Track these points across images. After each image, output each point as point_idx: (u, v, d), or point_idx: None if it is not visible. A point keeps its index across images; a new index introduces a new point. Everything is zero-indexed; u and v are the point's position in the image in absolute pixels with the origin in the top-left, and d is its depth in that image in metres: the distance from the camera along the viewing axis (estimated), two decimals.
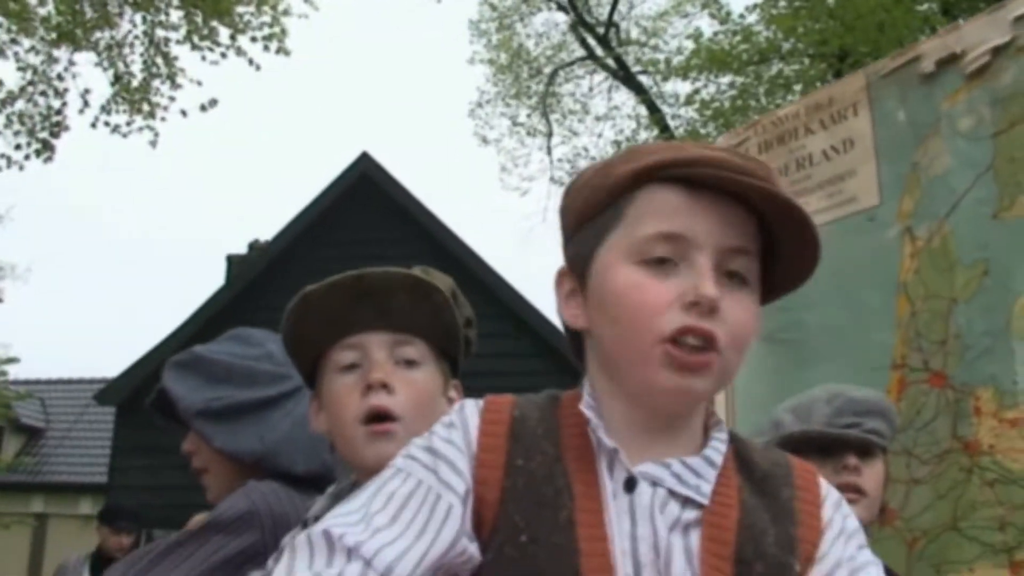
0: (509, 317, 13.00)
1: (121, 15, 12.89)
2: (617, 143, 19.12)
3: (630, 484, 1.13)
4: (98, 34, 12.82)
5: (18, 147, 12.87)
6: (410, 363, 1.64)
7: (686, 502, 1.13)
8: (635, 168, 1.16)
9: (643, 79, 19.11)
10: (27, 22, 12.33)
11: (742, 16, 14.77)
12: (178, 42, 13.04)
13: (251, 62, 13.06)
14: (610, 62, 19.28)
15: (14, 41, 12.65)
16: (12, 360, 18.52)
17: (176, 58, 13.13)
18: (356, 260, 1.67)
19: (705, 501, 1.13)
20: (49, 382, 24.64)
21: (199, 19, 12.77)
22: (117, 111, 12.98)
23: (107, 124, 13.00)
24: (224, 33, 12.93)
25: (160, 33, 13.03)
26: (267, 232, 14.16)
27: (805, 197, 3.19)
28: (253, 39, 12.89)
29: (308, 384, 1.73)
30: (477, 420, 1.20)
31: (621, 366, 1.17)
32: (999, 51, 2.75)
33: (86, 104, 12.90)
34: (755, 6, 14.29)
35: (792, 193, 3.20)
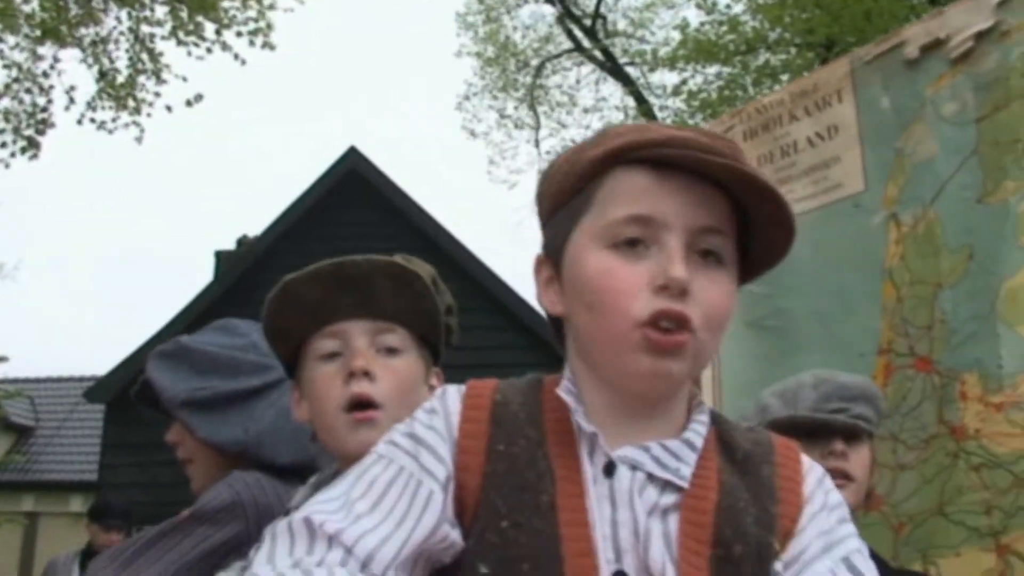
0: (498, 311, 13.00)
1: (106, 11, 12.86)
2: None
3: (609, 469, 1.13)
4: (83, 30, 12.78)
5: (3, 145, 12.84)
6: (391, 351, 1.64)
7: (666, 485, 1.12)
8: (603, 152, 1.16)
9: (630, 70, 19.11)
10: (11, 19, 12.28)
11: (728, 6, 14.77)
12: (163, 38, 13.01)
13: (236, 57, 13.04)
14: (597, 54, 19.26)
15: None
16: (1, 359, 18.45)
17: (161, 54, 13.10)
18: (345, 255, 1.67)
19: (685, 484, 1.12)
20: (38, 380, 24.54)
21: (184, 14, 12.73)
22: (103, 107, 12.95)
23: (93, 121, 12.97)
24: (210, 28, 12.91)
25: (145, 29, 12.99)
26: (255, 228, 14.11)
27: (790, 184, 3.20)
28: (238, 34, 12.86)
29: (289, 373, 1.72)
30: (459, 406, 1.19)
31: (597, 352, 1.16)
32: (982, 36, 2.75)
33: (72, 101, 12.86)
34: None
35: (776, 180, 3.24)
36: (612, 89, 20.15)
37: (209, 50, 12.90)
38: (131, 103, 12.94)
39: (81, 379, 22.26)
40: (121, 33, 13.07)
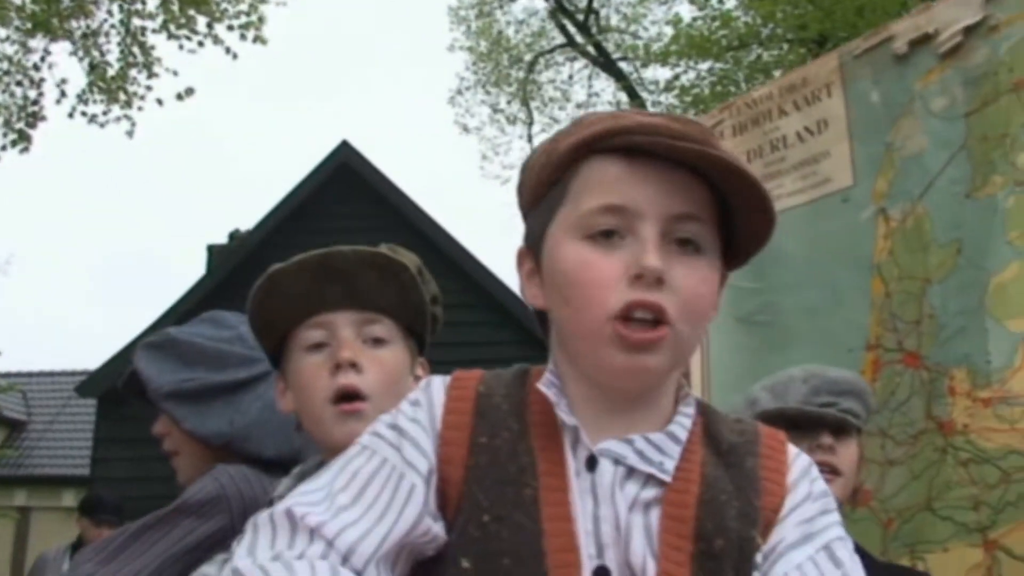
0: (492, 307, 12.98)
1: (97, 4, 12.79)
2: None
3: (591, 463, 1.12)
4: (74, 23, 12.73)
5: None
6: (378, 341, 1.64)
7: (648, 479, 1.11)
8: (576, 141, 1.15)
9: (623, 66, 19.11)
10: (2, 11, 12.23)
11: (721, 1, 14.77)
12: (154, 31, 12.96)
13: (228, 51, 13.00)
14: (590, 49, 19.26)
15: None
16: None
17: (153, 47, 13.05)
18: (342, 247, 1.67)
19: (667, 478, 1.11)
20: (30, 374, 24.47)
21: (176, 7, 12.68)
22: (94, 101, 12.91)
23: (84, 114, 12.92)
24: (201, 21, 12.85)
25: (136, 22, 12.94)
26: (248, 222, 14.08)
27: (779, 179, 3.19)
28: (230, 27, 12.81)
29: (274, 363, 1.72)
30: (443, 397, 1.19)
31: (575, 346, 1.15)
32: (971, 31, 2.75)
33: (63, 94, 12.82)
34: None
35: (766, 175, 3.24)
36: (605, 84, 20.15)
37: (201, 44, 12.85)
38: (122, 96, 12.89)
39: (73, 373, 22.19)
40: (112, 26, 13.02)
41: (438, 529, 1.11)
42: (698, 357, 3.26)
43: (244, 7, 12.88)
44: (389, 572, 1.08)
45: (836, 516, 1.19)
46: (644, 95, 18.36)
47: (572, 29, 19.71)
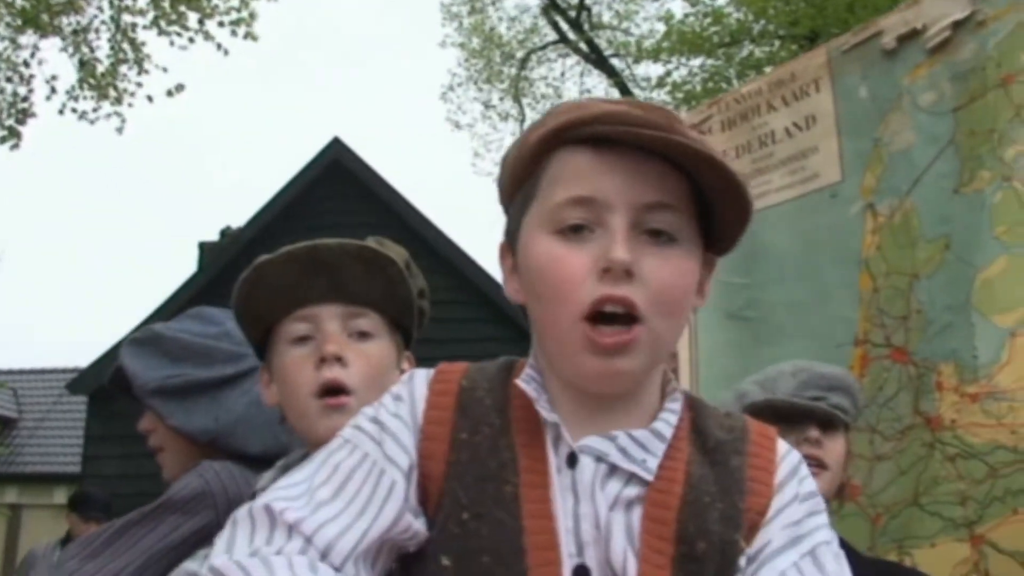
0: (484, 303, 12.97)
1: (87, 0, 12.77)
2: None
3: (572, 459, 1.10)
4: (64, 19, 12.69)
5: None
6: (363, 335, 1.63)
7: (631, 477, 1.09)
8: (542, 133, 1.12)
9: (615, 62, 19.11)
10: None
11: None
12: (145, 27, 12.93)
13: (219, 47, 12.97)
14: (582, 46, 19.25)
15: None
16: None
17: (143, 44, 13.02)
18: None
19: (650, 477, 1.09)
20: (21, 372, 24.41)
21: (166, 4, 12.65)
22: (84, 97, 12.88)
23: (74, 111, 12.88)
24: (192, 18, 12.83)
25: (127, 18, 12.91)
26: (239, 219, 14.06)
27: (768, 174, 3.20)
28: (220, 24, 12.78)
29: (259, 355, 1.71)
30: (425, 392, 1.17)
31: (549, 347, 1.14)
32: (959, 26, 2.75)
33: (53, 91, 12.78)
34: None
35: (754, 171, 3.23)
36: (597, 81, 20.13)
37: (191, 40, 12.82)
38: (112, 93, 12.85)
39: (64, 371, 22.15)
40: (103, 22, 12.99)
41: (419, 526, 1.10)
42: (687, 352, 3.26)
43: (235, 3, 12.86)
44: (369, 568, 1.07)
45: (824, 518, 1.16)
46: (636, 91, 18.36)
47: (564, 26, 19.71)
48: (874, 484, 2.66)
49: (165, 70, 13.03)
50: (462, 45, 20.53)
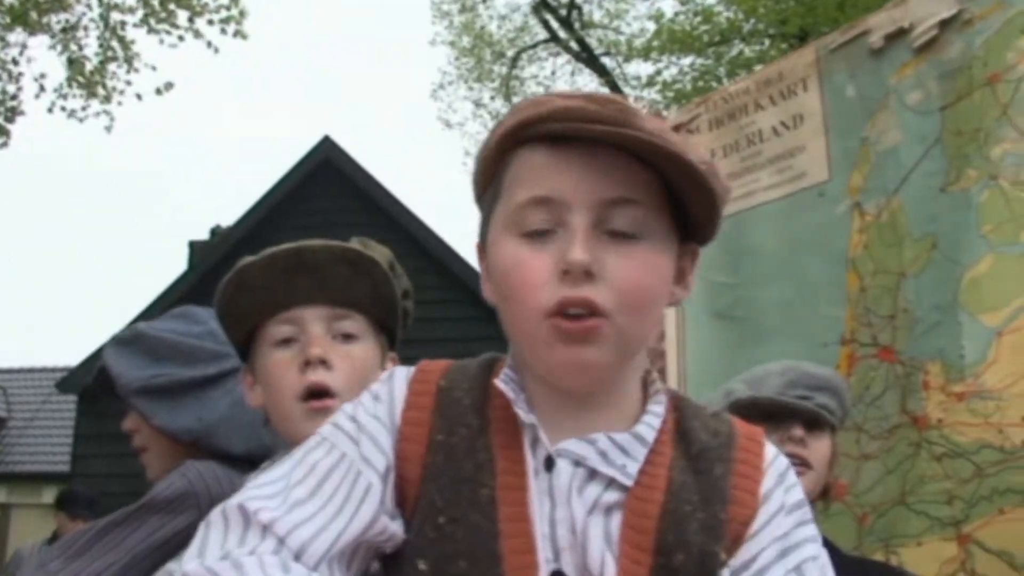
0: (473, 302, 12.95)
1: None
2: None
3: (549, 463, 1.08)
4: (53, 17, 12.66)
5: None
6: (348, 337, 1.63)
7: (612, 482, 1.07)
8: (501, 133, 1.10)
9: (606, 61, 19.11)
10: None
11: None
12: (135, 25, 12.91)
13: (209, 45, 12.96)
14: (573, 44, 19.25)
15: None
16: None
17: (133, 41, 13.00)
18: None
19: (629, 482, 1.06)
20: (10, 371, 24.36)
21: (156, 2, 12.63)
22: (73, 95, 12.86)
23: (63, 109, 12.87)
24: (182, 16, 12.81)
25: (116, 16, 12.89)
26: (230, 218, 14.03)
27: (755, 173, 3.20)
28: (210, 22, 12.77)
29: (242, 357, 1.70)
30: (404, 391, 1.16)
31: (519, 345, 1.12)
32: (946, 24, 2.75)
33: (42, 89, 12.76)
34: None
35: (742, 169, 3.23)
36: (588, 80, 20.11)
37: (181, 38, 12.81)
38: (101, 91, 12.84)
39: (54, 370, 22.12)
40: (92, 20, 12.97)
41: (395, 528, 1.08)
42: (674, 351, 3.26)
43: (225, 1, 12.84)
44: (344, 569, 1.06)
45: (811, 528, 1.13)
46: (627, 90, 18.37)
47: (555, 24, 19.69)
48: (861, 483, 2.66)
49: (154, 68, 13.01)
50: (452, 43, 20.53)
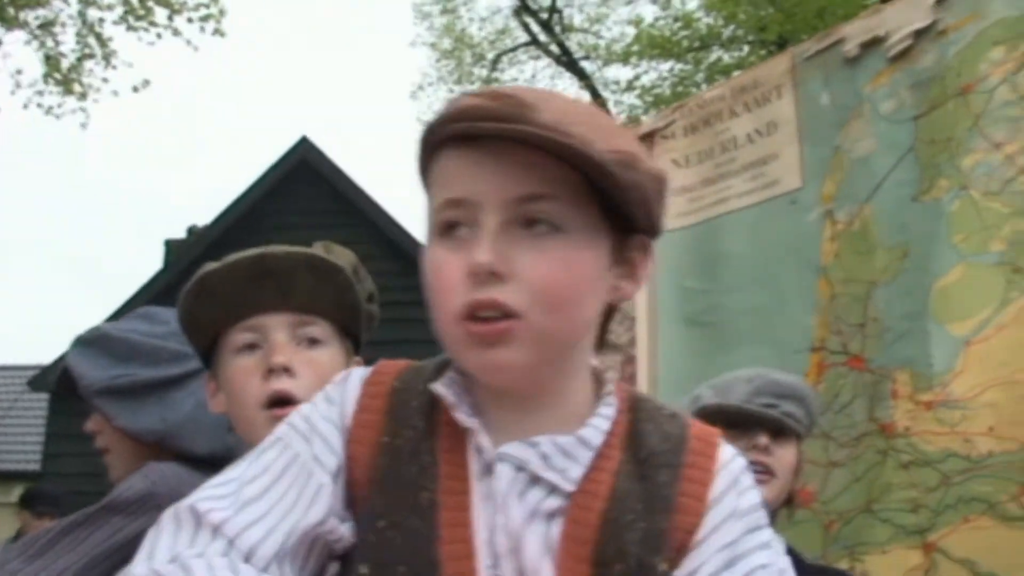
0: None
1: None
2: None
3: (490, 466, 1.06)
4: (30, 13, 12.60)
5: None
6: (313, 342, 1.61)
7: (555, 488, 1.04)
8: (419, 136, 1.08)
9: (586, 65, 19.15)
10: None
11: (683, 2, 14.87)
12: (114, 23, 12.86)
13: (189, 43, 12.92)
14: (553, 48, 19.28)
15: None
16: None
17: (110, 39, 12.94)
18: (295, 245, 1.64)
19: (570, 488, 1.04)
20: None
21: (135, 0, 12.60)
22: (49, 92, 12.80)
23: (40, 106, 12.80)
24: (161, 14, 12.77)
25: (94, 13, 12.83)
26: (207, 218, 13.98)
27: (729, 180, 3.21)
28: (189, 20, 12.73)
29: (205, 363, 1.69)
30: (357, 393, 1.14)
31: (446, 348, 1.09)
32: (920, 34, 2.77)
33: (18, 85, 12.70)
34: None
35: (717, 176, 3.23)
36: (568, 83, 20.14)
37: (159, 36, 12.77)
38: (78, 88, 12.78)
39: (26, 368, 21.96)
40: (70, 16, 12.91)
41: (344, 530, 1.07)
42: (645, 357, 3.26)
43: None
44: (297, 568, 1.05)
45: (763, 535, 1.09)
46: (606, 95, 18.43)
47: (535, 28, 19.73)
48: (828, 490, 2.66)
49: (131, 65, 12.97)
50: (433, 45, 20.54)
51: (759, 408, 2.12)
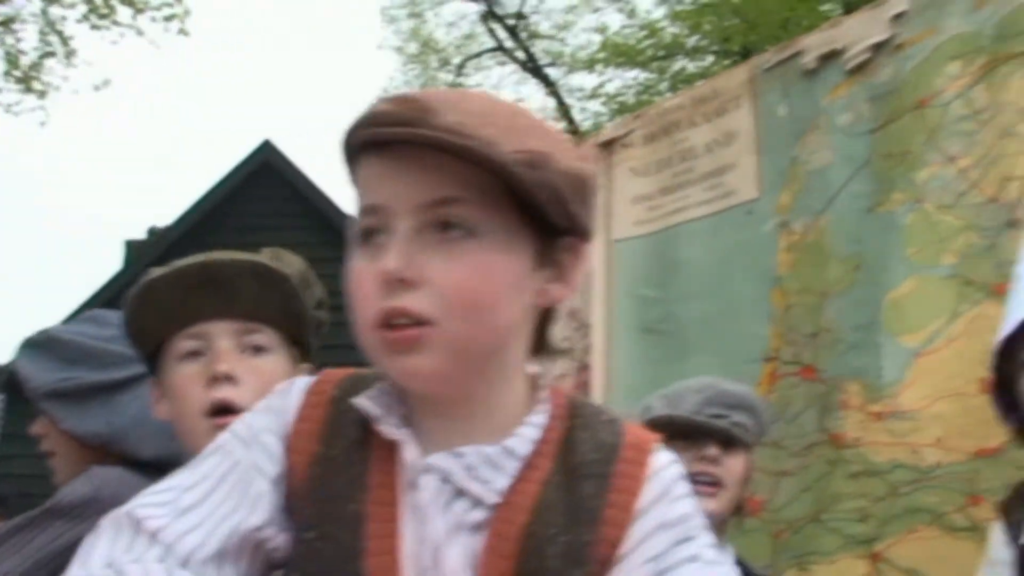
0: None
1: None
2: None
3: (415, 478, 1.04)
4: None
5: None
6: (258, 349, 1.60)
7: (479, 500, 1.02)
8: (341, 143, 1.07)
9: (551, 72, 19.19)
10: None
11: (648, 12, 14.95)
12: (77, 21, 12.76)
13: (152, 42, 12.85)
14: (519, 54, 19.30)
15: None
16: None
17: (72, 37, 12.84)
18: (256, 248, 1.63)
19: (494, 500, 1.02)
20: None
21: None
22: (8, 90, 12.68)
23: None
24: (124, 13, 12.68)
25: (56, 11, 12.72)
26: (168, 218, 13.89)
27: (687, 189, 3.22)
28: (153, 19, 12.66)
29: (150, 369, 1.67)
30: (299, 402, 1.13)
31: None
32: (878, 48, 2.79)
33: None
34: (662, 1, 14.47)
35: (675, 185, 3.24)
36: (534, 90, 20.18)
37: (122, 35, 12.68)
38: (37, 86, 12.67)
39: None
40: (32, 14, 12.79)
41: (281, 540, 1.06)
42: (601, 366, 3.27)
43: None
44: (233, 568, 1.04)
45: (695, 545, 1.05)
46: (571, 101, 18.48)
47: (502, 33, 19.74)
48: (777, 499, 2.67)
49: (91, 64, 12.89)
50: (399, 49, 20.51)
51: (708, 419, 2.12)
